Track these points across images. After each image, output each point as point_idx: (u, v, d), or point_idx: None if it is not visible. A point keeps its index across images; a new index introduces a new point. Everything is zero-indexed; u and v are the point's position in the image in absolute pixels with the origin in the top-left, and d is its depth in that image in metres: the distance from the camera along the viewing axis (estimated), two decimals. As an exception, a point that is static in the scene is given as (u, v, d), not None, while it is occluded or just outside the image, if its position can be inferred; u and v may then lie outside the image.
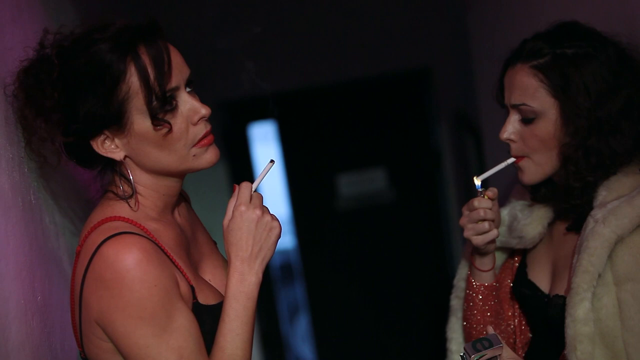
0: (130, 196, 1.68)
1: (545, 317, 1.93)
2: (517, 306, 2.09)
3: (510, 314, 2.09)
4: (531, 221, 1.99)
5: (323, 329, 5.52)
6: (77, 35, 1.64)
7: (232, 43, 4.76)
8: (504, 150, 1.99)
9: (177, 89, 1.64)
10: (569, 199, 1.87)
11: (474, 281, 2.07)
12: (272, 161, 1.73)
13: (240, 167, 5.21)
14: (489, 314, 2.06)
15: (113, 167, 1.70)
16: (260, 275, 1.68)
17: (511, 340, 2.08)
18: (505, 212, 2.09)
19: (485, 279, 2.05)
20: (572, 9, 2.40)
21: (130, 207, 1.68)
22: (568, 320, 1.77)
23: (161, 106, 1.61)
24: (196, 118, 1.66)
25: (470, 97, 4.28)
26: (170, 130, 1.63)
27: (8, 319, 1.58)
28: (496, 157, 2.11)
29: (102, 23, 1.62)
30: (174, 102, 1.64)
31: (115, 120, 1.61)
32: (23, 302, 1.66)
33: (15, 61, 1.70)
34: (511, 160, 1.92)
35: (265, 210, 1.69)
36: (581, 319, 1.75)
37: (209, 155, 1.70)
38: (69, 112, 1.61)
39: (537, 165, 1.89)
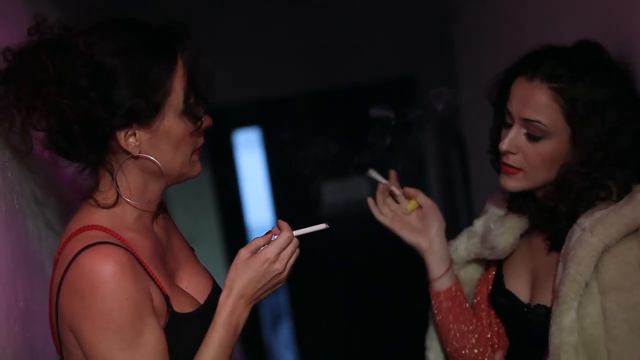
0: (112, 205, 1.68)
1: (525, 326, 1.93)
2: (494, 314, 2.09)
3: (488, 322, 2.10)
4: (503, 232, 2.00)
5: (306, 335, 5.52)
6: (110, 29, 1.65)
7: (216, 50, 4.78)
8: (488, 158, 2.00)
9: None
10: (554, 223, 1.87)
11: (432, 289, 2.14)
12: (327, 226, 1.85)
13: (224, 174, 5.20)
14: (451, 316, 2.10)
15: (103, 166, 1.68)
16: (249, 313, 1.76)
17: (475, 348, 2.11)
18: (479, 223, 2.12)
19: (442, 284, 2.12)
20: (556, 22, 2.41)
21: (114, 210, 1.68)
22: (553, 329, 1.77)
23: (205, 106, 1.70)
24: (203, 126, 1.72)
25: (455, 106, 4.30)
26: (200, 127, 1.70)
27: (-10, 323, 1.57)
28: (481, 165, 2.11)
29: (131, 17, 1.67)
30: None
31: (151, 114, 1.64)
32: (5, 307, 1.66)
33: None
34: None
35: (286, 265, 1.77)
36: (567, 328, 1.75)
37: (199, 166, 1.77)
38: (108, 99, 1.61)
39: (528, 180, 1.89)
